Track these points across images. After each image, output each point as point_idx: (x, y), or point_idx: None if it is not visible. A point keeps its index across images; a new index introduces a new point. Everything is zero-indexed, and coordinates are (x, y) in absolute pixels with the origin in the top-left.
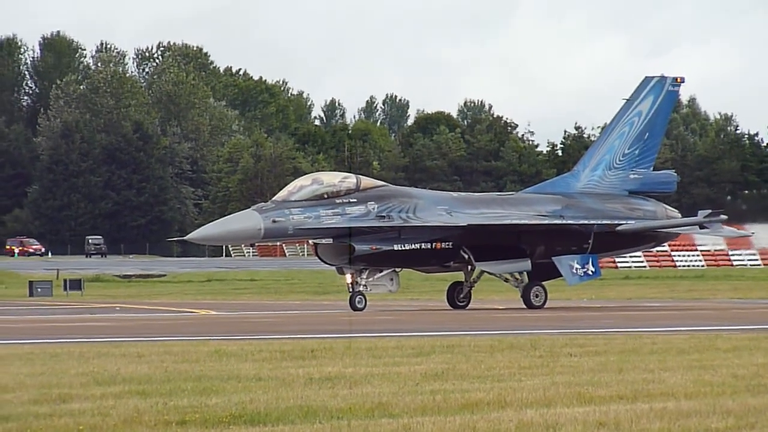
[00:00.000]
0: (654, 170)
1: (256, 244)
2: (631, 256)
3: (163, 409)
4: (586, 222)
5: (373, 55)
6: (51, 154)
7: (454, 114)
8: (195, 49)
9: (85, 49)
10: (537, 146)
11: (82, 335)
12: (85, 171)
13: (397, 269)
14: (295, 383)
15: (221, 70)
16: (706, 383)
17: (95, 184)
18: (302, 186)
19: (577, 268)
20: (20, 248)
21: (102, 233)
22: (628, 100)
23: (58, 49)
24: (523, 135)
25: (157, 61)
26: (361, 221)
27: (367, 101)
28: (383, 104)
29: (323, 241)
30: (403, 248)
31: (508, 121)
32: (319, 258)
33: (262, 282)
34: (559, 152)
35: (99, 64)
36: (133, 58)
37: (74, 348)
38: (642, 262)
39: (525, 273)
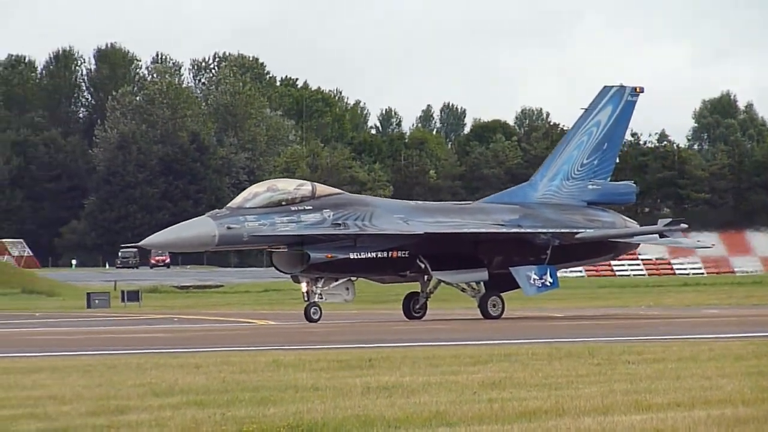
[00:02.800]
0: (611, 180)
1: None
2: (689, 262)
3: (220, 420)
4: (544, 230)
5: (431, 63)
6: (107, 165)
7: (511, 122)
8: (251, 59)
9: (140, 61)
10: None
11: (140, 346)
12: (141, 182)
13: (353, 278)
14: (352, 392)
15: (277, 80)
16: (765, 389)
17: (152, 195)
18: (257, 193)
19: (534, 279)
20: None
21: None
22: (586, 109)
23: (113, 61)
24: None
25: (213, 71)
26: (316, 229)
27: (424, 110)
28: (440, 113)
29: (278, 249)
30: (359, 257)
31: (564, 128)
32: (274, 266)
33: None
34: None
35: (154, 75)
36: (189, 69)
37: (132, 359)
38: (700, 268)
39: (482, 283)
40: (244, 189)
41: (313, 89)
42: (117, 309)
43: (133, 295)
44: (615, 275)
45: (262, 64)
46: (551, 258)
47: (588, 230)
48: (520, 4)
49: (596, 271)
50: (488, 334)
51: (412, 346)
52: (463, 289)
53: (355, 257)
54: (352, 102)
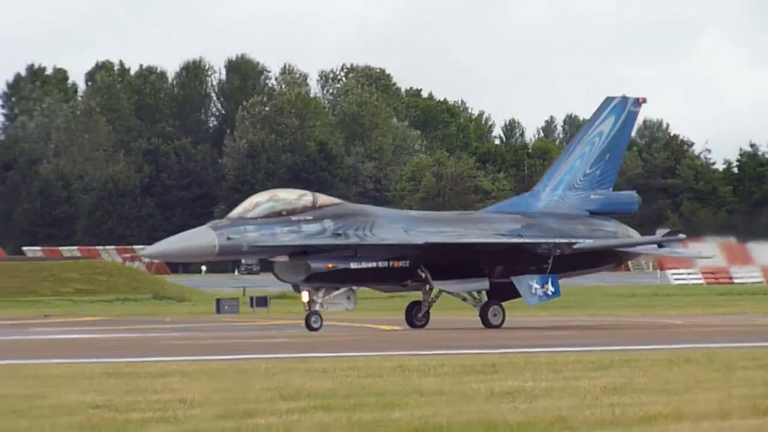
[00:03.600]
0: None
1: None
2: None
3: (347, 424)
4: (543, 241)
5: (553, 75)
6: (237, 173)
7: (632, 133)
8: (377, 70)
9: (269, 71)
10: (713, 164)
11: (268, 351)
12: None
13: (354, 287)
14: (476, 397)
15: (403, 90)
16: None
17: None
18: (258, 203)
19: (536, 288)
20: None
21: None
22: (589, 120)
23: (244, 71)
24: (700, 153)
25: (340, 82)
26: (316, 239)
27: (547, 120)
28: (563, 123)
29: (279, 258)
30: (360, 266)
31: (684, 139)
32: (275, 276)
33: (445, 299)
34: (735, 170)
35: (283, 86)
36: (317, 80)
37: (260, 364)
38: None
39: (483, 292)
40: (371, 197)
41: (438, 100)
42: (246, 315)
43: (262, 301)
44: (733, 282)
45: (388, 75)
46: (553, 267)
47: (587, 241)
48: (641, 17)
49: (715, 278)
50: (608, 340)
51: (535, 352)
52: (464, 299)
53: (356, 267)
54: (476, 113)
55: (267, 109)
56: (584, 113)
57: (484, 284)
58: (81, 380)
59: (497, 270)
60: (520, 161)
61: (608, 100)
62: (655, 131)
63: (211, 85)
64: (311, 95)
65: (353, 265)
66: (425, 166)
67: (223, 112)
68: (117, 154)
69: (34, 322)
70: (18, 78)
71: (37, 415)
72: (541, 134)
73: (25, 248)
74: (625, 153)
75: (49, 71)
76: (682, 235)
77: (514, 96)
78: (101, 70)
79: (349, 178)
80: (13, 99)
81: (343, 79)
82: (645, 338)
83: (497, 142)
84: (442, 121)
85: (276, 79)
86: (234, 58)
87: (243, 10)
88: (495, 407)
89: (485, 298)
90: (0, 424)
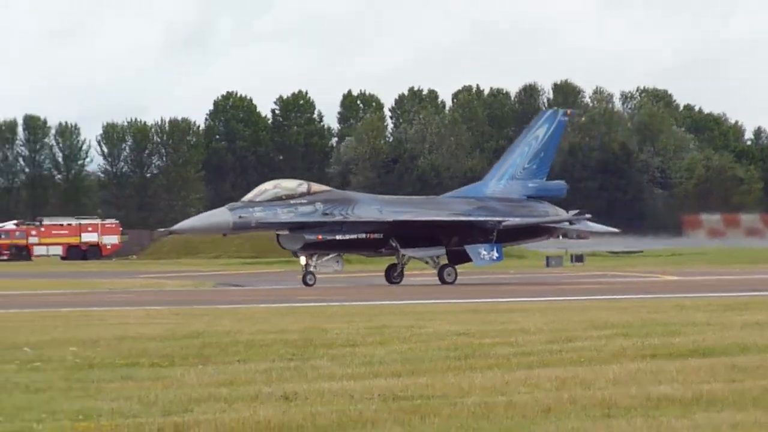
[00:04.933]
0: (547, 180)
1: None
2: None
3: (640, 346)
4: (485, 219)
5: None
6: (561, 166)
7: None
8: (663, 91)
9: (585, 92)
10: None
11: (583, 294)
12: (585, 178)
13: (341, 254)
14: (734, 327)
15: (681, 106)
16: None
17: (591, 187)
18: (265, 190)
19: (484, 254)
20: None
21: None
22: (527, 127)
23: (566, 92)
24: None
25: (636, 99)
26: (309, 217)
27: None
28: None
29: (282, 232)
30: (344, 238)
31: None
32: (279, 245)
33: (712, 256)
34: None
35: (595, 103)
36: (619, 98)
37: (577, 304)
38: None
39: (442, 257)
40: (658, 183)
41: (706, 112)
42: (567, 268)
43: (579, 258)
44: None
45: (670, 94)
46: (498, 238)
47: (515, 219)
48: None
49: None
50: None
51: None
52: (426, 262)
53: (341, 238)
54: (733, 121)
55: (583, 119)
56: None
57: (442, 251)
58: (448, 315)
59: (453, 240)
60: (765, 156)
61: (542, 111)
62: None
63: (542, 102)
64: (615, 109)
65: (339, 237)
66: (697, 161)
67: None
68: (474, 152)
69: (412, 273)
70: (402, 97)
71: (416, 340)
72: None
73: None
74: (555, 152)
75: (425, 92)
76: (588, 215)
77: (761, 108)
78: (463, 92)
79: (642, 169)
80: (398, 112)
81: (638, 97)
82: None
83: (749, 143)
84: (709, 128)
85: (589, 97)
86: (559, 82)
87: (566, 46)
88: (748, 334)
89: (442, 262)
90: (390, 346)
